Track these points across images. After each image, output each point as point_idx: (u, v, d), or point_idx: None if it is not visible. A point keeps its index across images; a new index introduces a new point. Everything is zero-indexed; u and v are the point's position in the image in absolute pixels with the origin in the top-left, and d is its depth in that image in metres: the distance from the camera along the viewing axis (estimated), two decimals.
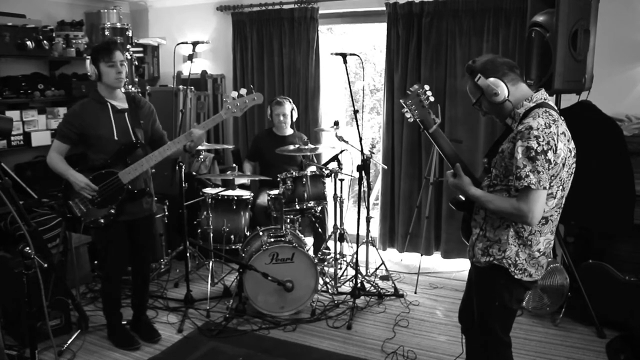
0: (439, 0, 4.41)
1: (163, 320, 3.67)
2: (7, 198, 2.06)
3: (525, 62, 3.58)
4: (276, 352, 3.25)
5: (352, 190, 5.03)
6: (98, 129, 3.06)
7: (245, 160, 4.82)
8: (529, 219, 1.94)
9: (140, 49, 5.38)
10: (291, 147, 4.17)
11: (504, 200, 2.02)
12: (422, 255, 4.42)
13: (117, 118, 3.10)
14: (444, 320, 3.68)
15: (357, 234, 3.84)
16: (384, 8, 4.59)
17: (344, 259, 4.38)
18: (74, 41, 4.78)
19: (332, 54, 3.88)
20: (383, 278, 4.33)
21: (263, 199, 4.41)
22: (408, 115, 1.95)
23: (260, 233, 3.88)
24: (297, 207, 3.97)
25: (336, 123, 4.24)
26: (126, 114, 3.15)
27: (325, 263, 4.36)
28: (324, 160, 4.89)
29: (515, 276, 2.07)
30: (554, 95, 3.62)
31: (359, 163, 3.79)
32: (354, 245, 4.00)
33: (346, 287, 4.13)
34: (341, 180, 4.19)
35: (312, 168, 4.33)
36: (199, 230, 4.21)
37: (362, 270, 4.30)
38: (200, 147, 4.22)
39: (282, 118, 4.53)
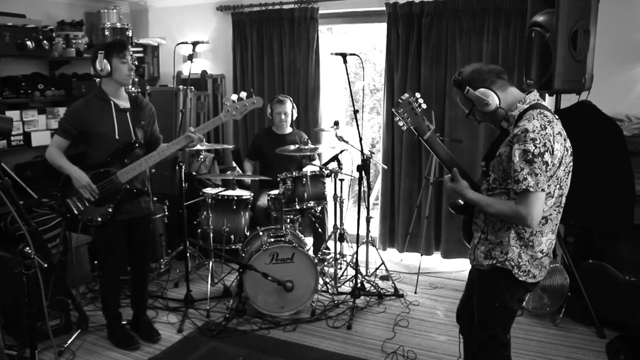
0: (439, 0, 4.41)
1: (163, 320, 3.67)
2: (7, 198, 2.06)
3: (525, 62, 3.58)
4: (276, 352, 3.25)
5: (352, 190, 5.03)
6: (100, 127, 3.06)
7: (245, 159, 4.82)
8: (528, 222, 1.95)
9: (140, 49, 5.38)
10: (291, 147, 4.17)
11: (503, 203, 2.02)
12: (422, 255, 4.42)
13: (119, 117, 3.11)
14: (444, 320, 3.68)
15: (357, 234, 3.84)
16: (384, 8, 4.59)
17: (344, 259, 4.38)
18: (74, 41, 4.78)
19: (332, 54, 3.88)
20: (383, 278, 4.33)
21: (263, 200, 4.41)
22: (401, 123, 1.96)
23: (260, 233, 3.88)
24: (297, 207, 3.97)
25: (336, 123, 4.24)
26: (128, 113, 3.16)
27: (325, 263, 4.36)
28: (324, 160, 4.88)
29: (520, 278, 2.07)
30: (554, 95, 3.63)
31: (359, 163, 3.79)
32: (354, 245, 4.00)
33: (346, 287, 4.13)
34: (341, 180, 4.20)
35: (312, 168, 4.33)
36: (199, 230, 4.21)
37: (362, 270, 4.30)
38: (200, 147, 4.22)
39: (283, 117, 4.53)
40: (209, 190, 4.24)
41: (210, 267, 4.08)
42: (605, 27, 3.59)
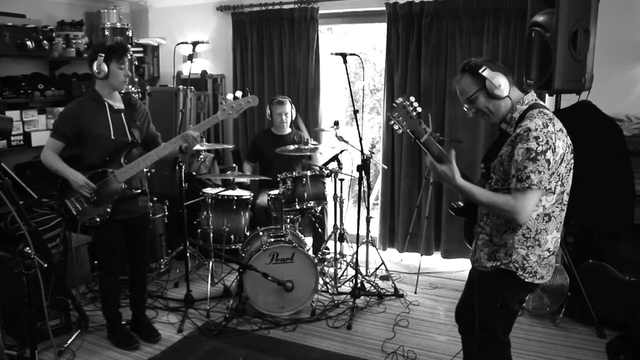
0: (439, 0, 4.41)
1: (163, 320, 3.67)
2: (7, 198, 2.06)
3: (525, 62, 3.58)
4: (276, 352, 3.25)
5: (352, 190, 5.03)
6: (95, 128, 3.06)
7: (245, 161, 4.82)
8: (520, 217, 1.94)
9: (140, 49, 5.38)
10: (291, 147, 4.17)
11: (497, 195, 2.01)
12: (422, 255, 4.42)
13: (114, 117, 3.11)
14: (444, 320, 3.68)
15: (357, 234, 3.84)
16: (384, 8, 4.59)
17: (344, 259, 4.38)
18: (74, 41, 4.78)
19: (332, 54, 3.88)
20: (383, 278, 4.33)
21: (263, 198, 4.41)
22: (396, 127, 1.95)
23: (260, 233, 3.88)
24: (297, 207, 3.97)
25: (336, 123, 4.24)
26: (123, 114, 3.16)
27: (325, 263, 4.36)
28: (324, 160, 4.88)
29: (526, 280, 2.06)
30: (554, 95, 3.63)
31: (359, 163, 3.79)
32: (354, 245, 4.00)
33: (346, 287, 4.13)
34: (341, 180, 4.20)
35: (312, 168, 4.33)
36: (199, 230, 4.21)
37: (362, 270, 4.30)
38: (200, 147, 4.22)
39: (283, 117, 4.53)
40: (209, 190, 4.24)
41: (210, 267, 4.08)
42: (605, 27, 3.59)
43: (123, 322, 3.44)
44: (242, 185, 4.53)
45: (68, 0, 5.10)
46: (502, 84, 2.03)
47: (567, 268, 3.58)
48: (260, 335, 3.46)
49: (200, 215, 4.21)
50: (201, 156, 4.73)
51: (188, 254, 3.80)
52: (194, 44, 4.16)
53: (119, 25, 4.91)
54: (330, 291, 4.04)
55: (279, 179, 4.00)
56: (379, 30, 5.02)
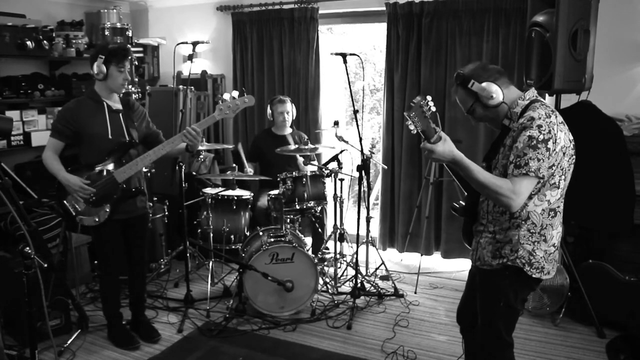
0: (439, 0, 4.41)
1: (163, 320, 3.67)
2: (7, 198, 2.06)
3: (525, 62, 3.58)
4: (276, 352, 3.25)
5: (352, 190, 5.03)
6: (93, 127, 3.07)
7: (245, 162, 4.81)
8: (513, 203, 1.93)
9: (140, 49, 5.38)
10: (291, 147, 4.17)
11: (495, 176, 1.98)
12: (422, 255, 4.42)
13: (112, 117, 3.12)
14: (444, 320, 3.68)
15: (357, 234, 3.84)
16: (384, 8, 4.59)
17: (344, 259, 4.38)
18: (74, 41, 4.78)
19: (332, 54, 3.88)
20: (383, 278, 4.33)
21: (263, 200, 4.41)
22: (412, 127, 1.93)
23: (260, 233, 3.88)
24: (297, 207, 3.97)
25: (336, 123, 4.23)
26: (121, 114, 3.17)
27: (325, 263, 4.36)
28: (324, 160, 4.88)
29: (533, 275, 2.06)
30: (554, 95, 3.62)
31: (359, 163, 3.79)
32: (354, 245, 4.00)
33: (346, 287, 4.13)
34: (341, 180, 4.20)
35: (312, 168, 4.33)
36: (199, 230, 4.21)
37: (362, 270, 4.30)
38: (200, 147, 4.22)
39: (285, 116, 4.53)
40: (209, 190, 4.24)
41: (210, 267, 4.08)
42: (605, 27, 3.59)
43: (123, 322, 3.44)
44: (242, 185, 4.53)
45: (68, 0, 5.10)
46: (493, 92, 2.05)
47: (567, 268, 3.58)
48: (260, 335, 3.46)
49: (200, 215, 4.21)
50: (201, 156, 4.73)
51: (188, 254, 3.80)
52: (194, 44, 4.16)
53: (119, 25, 4.91)
54: (330, 291, 4.04)
55: (279, 179, 4.00)
56: (379, 30, 5.02)
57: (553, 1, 3.25)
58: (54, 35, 4.57)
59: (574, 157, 2.08)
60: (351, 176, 4.36)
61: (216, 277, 4.24)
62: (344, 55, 3.72)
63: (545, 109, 1.99)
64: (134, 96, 4.58)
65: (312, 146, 4.18)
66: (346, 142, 4.19)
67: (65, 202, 3.10)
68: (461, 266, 4.63)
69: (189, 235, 3.84)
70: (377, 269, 4.40)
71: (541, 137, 1.92)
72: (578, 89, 3.41)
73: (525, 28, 3.76)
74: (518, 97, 2.09)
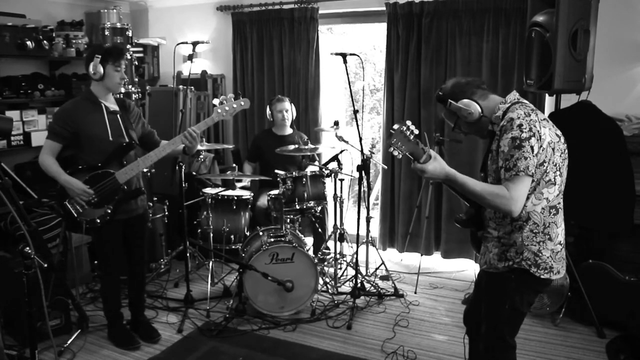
0: (439, 0, 4.41)
1: (163, 320, 3.67)
2: (7, 198, 2.06)
3: (525, 62, 3.58)
4: (276, 352, 3.25)
5: (352, 190, 5.03)
6: (92, 129, 3.06)
7: (245, 162, 4.82)
8: (513, 206, 1.94)
9: (140, 49, 5.38)
10: (291, 147, 4.17)
11: (491, 185, 2.02)
12: (422, 255, 4.42)
13: (110, 119, 3.11)
14: (444, 320, 3.68)
15: (357, 234, 3.84)
16: (384, 8, 4.59)
17: (344, 259, 4.38)
18: (74, 41, 4.78)
19: (332, 54, 3.88)
20: (383, 278, 4.33)
21: (263, 200, 4.41)
22: (395, 153, 1.96)
23: (260, 233, 3.88)
24: (297, 207, 3.97)
25: (336, 123, 4.24)
26: (119, 115, 3.16)
27: (325, 263, 4.36)
28: (324, 160, 4.88)
29: (541, 276, 2.06)
30: (554, 95, 3.63)
31: (359, 163, 3.79)
32: (354, 245, 4.00)
33: (346, 287, 4.13)
34: (341, 180, 4.20)
35: (313, 168, 4.33)
36: (199, 230, 4.21)
37: (362, 270, 4.30)
38: (200, 147, 4.22)
39: (284, 114, 4.53)
40: (209, 190, 4.24)
41: (210, 267, 4.08)
42: (605, 27, 3.59)
43: (123, 322, 3.43)
44: (242, 186, 4.53)
45: (68, 0, 5.10)
46: (471, 109, 2.10)
47: (567, 268, 3.56)
48: (260, 335, 3.46)
49: (200, 215, 4.21)
50: (201, 156, 4.73)
51: (188, 254, 3.80)
52: (194, 44, 4.16)
53: (119, 25, 4.90)
54: (330, 291, 4.04)
55: (279, 179, 4.00)
56: (379, 30, 5.02)
57: (553, 1, 3.25)
58: (54, 35, 4.57)
59: (567, 151, 2.09)
60: (351, 176, 4.36)
61: (216, 277, 4.24)
62: (344, 55, 3.72)
63: (525, 108, 2.01)
64: (134, 96, 4.58)
65: (312, 146, 4.18)
66: (346, 142, 4.19)
67: (66, 203, 3.10)
68: (461, 266, 4.63)
69: (189, 235, 3.84)
70: (377, 269, 4.40)
71: (523, 135, 1.93)
72: (578, 89, 3.41)
73: (525, 28, 3.76)
74: (499, 102, 2.12)
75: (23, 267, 2.11)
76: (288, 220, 4.09)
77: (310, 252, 3.91)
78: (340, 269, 4.34)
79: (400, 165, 4.75)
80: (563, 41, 3.23)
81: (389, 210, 4.93)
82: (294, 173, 4.01)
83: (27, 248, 2.06)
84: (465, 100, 2.11)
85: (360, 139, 3.79)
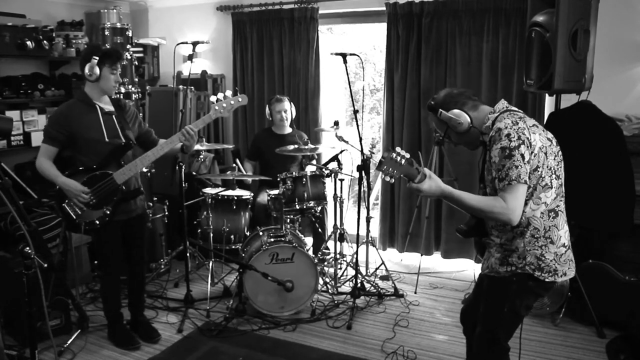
0: (439, 0, 4.41)
1: (163, 320, 3.67)
2: (7, 198, 2.06)
3: (525, 62, 3.58)
4: (276, 352, 3.25)
5: (352, 190, 5.03)
6: (88, 131, 3.05)
7: (245, 159, 4.83)
8: (511, 215, 1.96)
9: (140, 49, 5.38)
10: (291, 147, 4.17)
11: (487, 197, 2.04)
12: (422, 255, 4.42)
13: (106, 120, 3.11)
14: (444, 320, 3.68)
15: (357, 234, 3.84)
16: (384, 8, 4.59)
17: (344, 259, 4.38)
18: (74, 41, 4.78)
19: (332, 54, 3.88)
20: (383, 278, 4.33)
21: (263, 197, 4.41)
22: (388, 178, 1.98)
23: (260, 233, 3.88)
24: (297, 207, 3.97)
25: (336, 123, 4.24)
26: (114, 116, 3.16)
27: (325, 263, 4.36)
28: (324, 160, 4.89)
29: (546, 280, 2.06)
30: (554, 95, 3.62)
31: (359, 163, 3.79)
32: (354, 245, 4.00)
33: (346, 287, 4.13)
34: (341, 180, 4.20)
35: (312, 168, 4.33)
36: (199, 230, 4.21)
37: (362, 270, 4.30)
38: (200, 147, 4.22)
39: (284, 114, 4.53)
40: (209, 190, 4.24)
41: (210, 267, 4.08)
42: (605, 27, 3.59)
43: (123, 322, 3.43)
44: (242, 184, 4.53)
45: (68, 0, 5.10)
46: (461, 119, 2.12)
47: None
48: (260, 335, 3.46)
49: (200, 215, 4.21)
50: (201, 156, 4.73)
51: (188, 254, 3.80)
52: (194, 44, 4.16)
53: (119, 25, 4.89)
54: (330, 291, 4.04)
55: (279, 179, 4.00)
56: (379, 30, 5.02)
57: (553, 1, 3.25)
58: (54, 35, 4.58)
59: (561, 154, 2.09)
60: (351, 176, 4.36)
61: (216, 277, 4.24)
62: (344, 55, 3.72)
63: (512, 117, 2.02)
64: (134, 96, 4.58)
65: (312, 146, 4.18)
66: (346, 142, 4.19)
67: (65, 205, 3.09)
68: (461, 266, 4.63)
69: (189, 235, 3.84)
70: (377, 269, 4.40)
71: (512, 144, 1.95)
72: (578, 89, 3.41)
73: (525, 28, 3.76)
74: (489, 112, 2.13)
75: (23, 267, 2.11)
76: (288, 220, 4.09)
77: (310, 252, 3.91)
78: (340, 269, 4.34)
79: None
80: (563, 41, 3.23)
81: (389, 210, 4.93)
82: (294, 173, 4.01)
83: (27, 248, 2.06)
84: (456, 111, 2.13)
85: (360, 139, 3.79)
